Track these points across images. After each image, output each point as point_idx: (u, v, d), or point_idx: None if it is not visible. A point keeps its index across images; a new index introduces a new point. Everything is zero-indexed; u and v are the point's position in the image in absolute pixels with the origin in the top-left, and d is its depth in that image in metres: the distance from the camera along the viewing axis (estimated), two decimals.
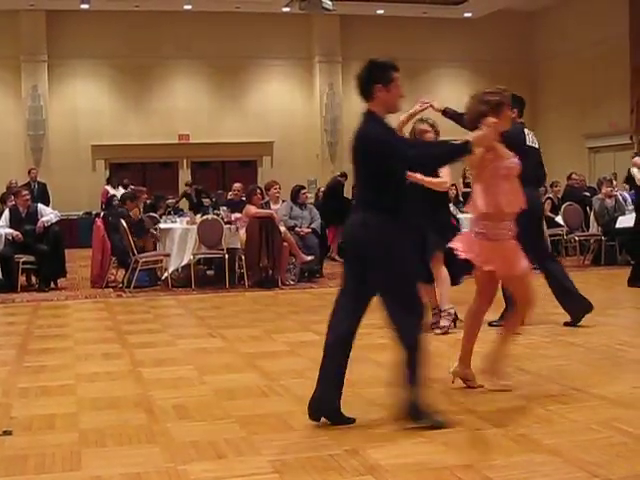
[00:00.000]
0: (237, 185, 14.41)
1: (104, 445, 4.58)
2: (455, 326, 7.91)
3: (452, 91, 27.00)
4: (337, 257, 16.56)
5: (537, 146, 8.30)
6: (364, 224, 4.79)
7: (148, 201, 16.00)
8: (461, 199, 16.50)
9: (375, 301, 4.81)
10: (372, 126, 4.88)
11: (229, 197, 15.22)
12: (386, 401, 5.28)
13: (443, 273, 7.97)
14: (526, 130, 8.22)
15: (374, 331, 8.07)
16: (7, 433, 4.81)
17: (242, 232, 12.26)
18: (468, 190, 19.96)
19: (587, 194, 16.58)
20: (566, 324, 8.11)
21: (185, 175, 24.88)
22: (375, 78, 4.89)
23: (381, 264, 4.76)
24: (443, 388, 5.62)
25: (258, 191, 12.95)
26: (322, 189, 19.12)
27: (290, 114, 25.62)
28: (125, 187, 19.19)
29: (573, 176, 18.20)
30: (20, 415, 5.23)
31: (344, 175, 18.54)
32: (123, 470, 4.13)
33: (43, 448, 4.51)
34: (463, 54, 26.36)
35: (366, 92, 4.94)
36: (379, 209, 4.79)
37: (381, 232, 4.74)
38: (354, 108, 25.99)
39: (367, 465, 4.11)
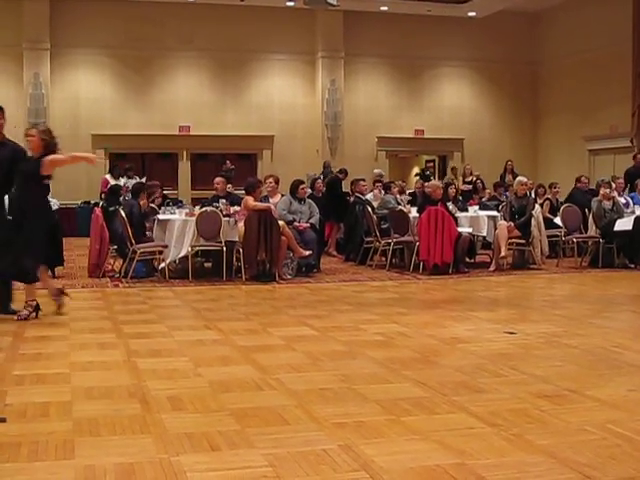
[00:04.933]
0: (218, 179, 13.70)
1: (98, 434, 4.57)
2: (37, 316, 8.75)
3: (453, 90, 27.04)
4: (334, 252, 16.57)
5: None
6: None
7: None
8: (460, 197, 16.46)
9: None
10: None
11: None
12: (381, 397, 5.29)
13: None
14: None
15: (370, 327, 8.12)
16: (1, 420, 4.80)
17: (240, 225, 12.25)
18: (467, 188, 20.08)
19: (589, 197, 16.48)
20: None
21: (185, 167, 24.93)
22: None
23: None
24: (438, 386, 5.62)
25: (259, 185, 12.89)
26: (317, 179, 18.81)
27: (291, 108, 25.60)
28: (130, 178, 19.03)
29: (582, 179, 17.68)
30: (15, 402, 5.23)
31: (343, 171, 18.47)
32: (116, 460, 4.13)
33: (37, 436, 4.51)
34: (465, 53, 26.35)
35: None
36: None
37: None
38: (355, 104, 25.89)
39: (360, 461, 4.11)
